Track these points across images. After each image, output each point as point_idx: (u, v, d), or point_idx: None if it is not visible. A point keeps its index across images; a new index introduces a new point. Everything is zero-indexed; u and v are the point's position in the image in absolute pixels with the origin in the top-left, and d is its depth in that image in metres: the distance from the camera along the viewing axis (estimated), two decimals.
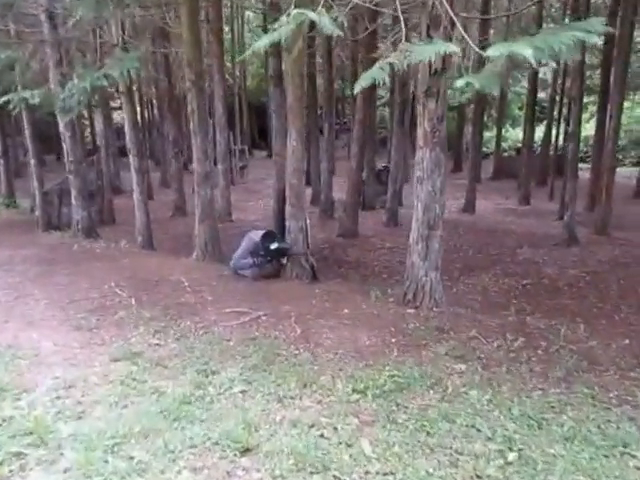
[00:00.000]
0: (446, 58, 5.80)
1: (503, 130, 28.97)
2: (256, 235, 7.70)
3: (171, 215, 14.25)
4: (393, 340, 5.44)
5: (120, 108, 28.62)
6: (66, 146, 9.63)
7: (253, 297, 6.70)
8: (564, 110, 22.48)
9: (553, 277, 8.67)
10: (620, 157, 29.56)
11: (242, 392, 4.22)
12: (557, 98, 23.24)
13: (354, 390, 4.23)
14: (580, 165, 26.35)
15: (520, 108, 30.82)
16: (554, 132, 22.32)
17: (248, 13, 29.22)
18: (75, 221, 10.39)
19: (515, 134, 31.69)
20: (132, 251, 9.25)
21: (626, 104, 30.96)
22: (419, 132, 6.04)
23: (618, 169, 26.42)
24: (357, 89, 4.59)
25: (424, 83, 5.83)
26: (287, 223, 7.61)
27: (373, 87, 11.60)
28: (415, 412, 3.91)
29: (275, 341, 5.28)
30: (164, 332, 5.47)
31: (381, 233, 11.90)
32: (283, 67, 10.66)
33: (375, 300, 6.71)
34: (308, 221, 7.70)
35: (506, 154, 29.48)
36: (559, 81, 21.19)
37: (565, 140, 21.99)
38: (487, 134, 35.29)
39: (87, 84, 5.94)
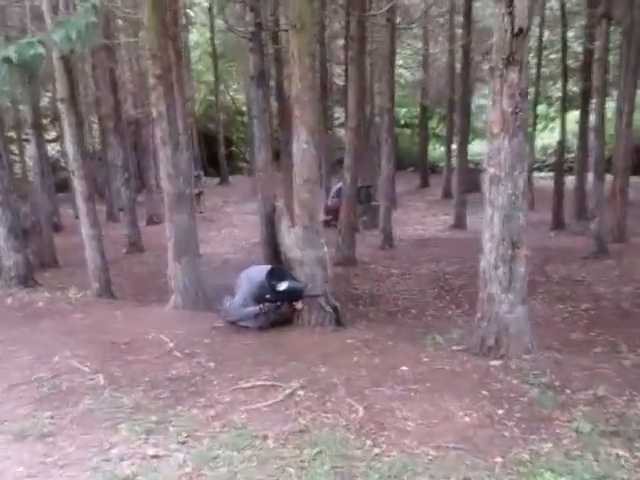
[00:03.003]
0: (530, 12, 4.28)
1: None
2: (258, 273, 5.87)
3: (125, 252, 12.15)
4: (500, 412, 3.74)
5: (55, 140, 26.26)
6: None
7: (271, 359, 4.85)
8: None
9: (611, 298, 7.24)
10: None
11: None
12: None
13: None
14: (542, 174, 25.94)
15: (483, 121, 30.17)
16: None
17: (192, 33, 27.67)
18: (7, 267, 8.22)
19: (472, 148, 31.01)
20: (87, 302, 7.19)
21: None
22: (493, 115, 4.45)
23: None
24: None
25: (504, 48, 4.25)
26: (298, 253, 5.82)
27: (364, 91, 9.98)
28: None
29: (336, 433, 3.47)
30: (160, 432, 3.56)
31: (380, 258, 10.26)
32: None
33: (434, 349, 5.01)
34: (326, 248, 5.93)
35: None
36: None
37: None
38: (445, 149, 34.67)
39: (12, 54, 4.01)
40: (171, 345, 5.19)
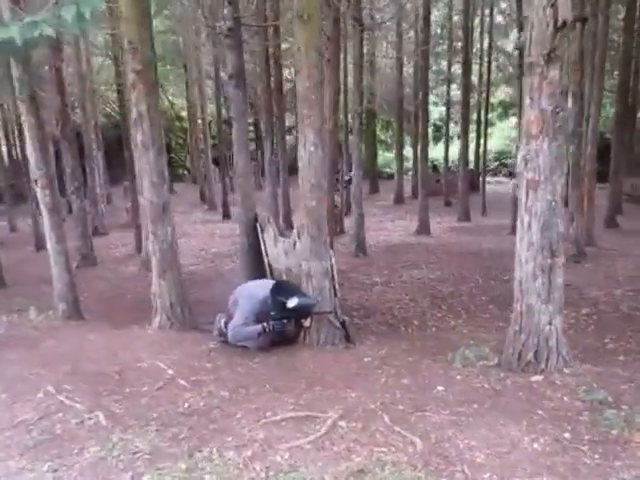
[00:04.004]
0: (573, 3, 4.03)
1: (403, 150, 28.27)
2: (260, 288, 5.32)
3: (77, 266, 11.19)
4: (566, 435, 3.42)
5: None
6: None
7: (290, 384, 4.36)
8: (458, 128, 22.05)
9: (607, 302, 7.17)
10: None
11: None
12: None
13: None
14: (488, 179, 26.34)
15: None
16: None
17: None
18: None
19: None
20: (54, 325, 6.41)
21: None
22: (531, 115, 4.15)
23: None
24: None
25: (544, 42, 3.96)
26: (304, 265, 5.34)
27: (338, 92, 9.58)
28: None
29: (402, 473, 3.04)
30: None
31: (357, 266, 9.84)
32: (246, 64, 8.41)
33: (463, 366, 4.66)
34: (334, 259, 5.49)
35: (410, 173, 28.81)
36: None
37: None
38: (390, 155, 34.88)
39: (15, 34, 3.34)
40: (171, 372, 4.60)
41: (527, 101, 4.14)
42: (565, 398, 3.93)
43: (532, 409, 3.77)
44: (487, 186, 20.88)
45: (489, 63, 17.93)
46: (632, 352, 5.28)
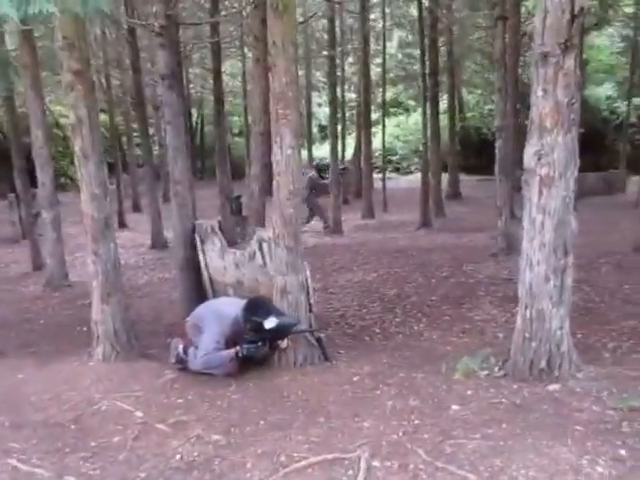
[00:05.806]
0: None
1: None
2: (230, 307, 4.62)
3: None
4: (622, 452, 3.13)
5: None
6: None
7: (287, 418, 3.76)
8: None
9: None
10: (405, 165, 31.24)
11: None
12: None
13: None
14: (377, 176, 26.74)
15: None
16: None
17: None
18: None
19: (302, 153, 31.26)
20: None
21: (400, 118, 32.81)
22: (545, 108, 3.85)
23: (412, 177, 27.40)
24: None
25: (561, 30, 3.70)
26: (279, 280, 4.74)
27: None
28: None
29: None
30: None
31: None
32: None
33: (466, 377, 4.33)
34: (308, 272, 4.93)
35: None
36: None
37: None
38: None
39: (8, 9, 2.44)
40: (140, 415, 3.83)
41: (539, 93, 3.87)
42: (594, 407, 3.68)
43: (567, 424, 3.48)
44: (378, 183, 20.80)
45: (383, 64, 18.27)
46: (616, 348, 5.18)
